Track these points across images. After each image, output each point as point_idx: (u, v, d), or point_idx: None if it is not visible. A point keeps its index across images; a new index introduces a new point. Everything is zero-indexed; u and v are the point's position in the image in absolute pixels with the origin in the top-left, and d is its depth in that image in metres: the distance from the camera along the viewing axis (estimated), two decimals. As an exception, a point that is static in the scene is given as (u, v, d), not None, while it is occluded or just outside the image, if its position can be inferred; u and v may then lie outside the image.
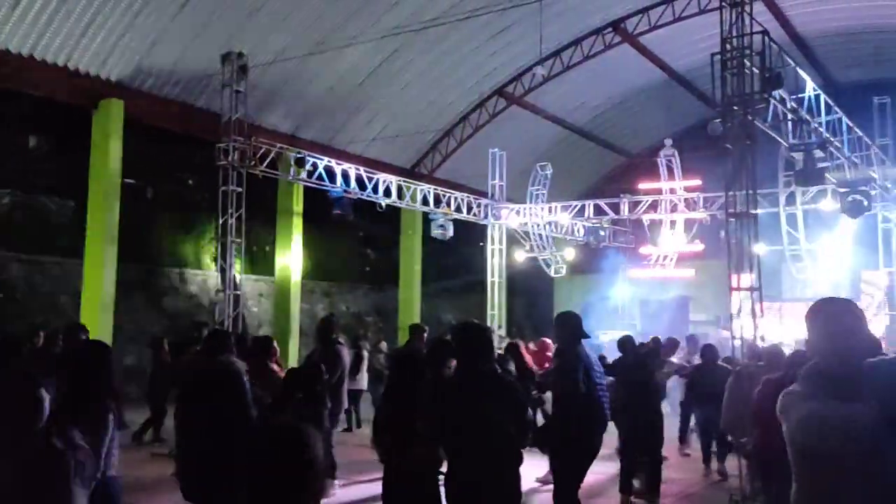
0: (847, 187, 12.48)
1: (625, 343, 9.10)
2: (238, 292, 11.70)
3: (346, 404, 8.67)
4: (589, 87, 18.66)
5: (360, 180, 14.37)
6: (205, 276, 16.38)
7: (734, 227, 10.08)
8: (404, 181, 15.98)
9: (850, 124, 12.77)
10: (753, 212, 9.88)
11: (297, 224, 16.38)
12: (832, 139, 11.94)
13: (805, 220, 15.31)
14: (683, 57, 17.90)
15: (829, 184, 12.18)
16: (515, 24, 15.61)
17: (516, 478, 4.02)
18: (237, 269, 11.73)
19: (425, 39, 15.04)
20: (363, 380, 11.75)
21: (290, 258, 16.32)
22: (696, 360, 11.79)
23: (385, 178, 15.13)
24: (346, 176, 14.01)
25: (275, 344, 6.75)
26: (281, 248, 16.55)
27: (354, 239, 20.43)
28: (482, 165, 18.21)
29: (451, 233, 16.42)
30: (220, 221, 11.66)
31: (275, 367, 6.83)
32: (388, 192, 15.15)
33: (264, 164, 12.23)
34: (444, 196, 16.63)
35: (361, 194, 14.35)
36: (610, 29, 16.96)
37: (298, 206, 16.20)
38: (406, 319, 18.78)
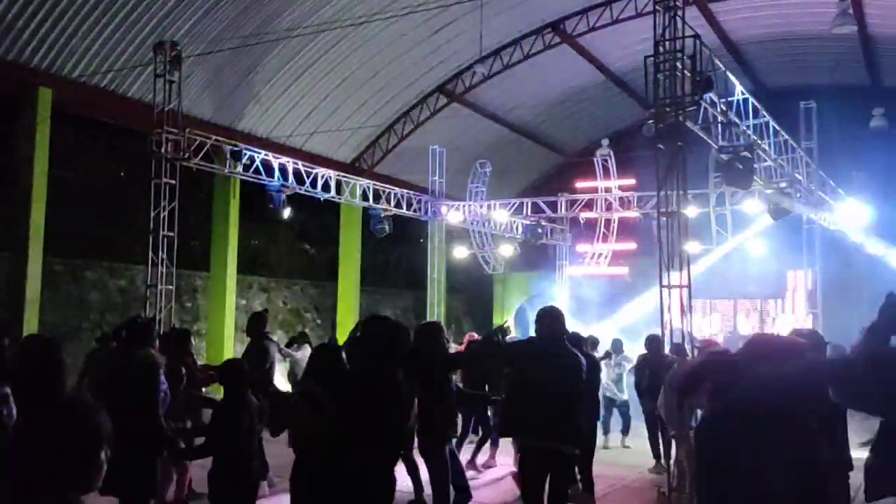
0: (772, 189, 12.94)
1: (574, 340, 9.17)
2: (170, 287, 11.44)
3: None
4: (528, 87, 18.85)
5: (298, 174, 14.22)
6: (136, 270, 15.97)
7: (665, 225, 10.36)
8: (344, 176, 15.89)
9: (777, 128, 13.21)
10: (684, 211, 10.17)
11: (234, 218, 16.12)
12: (759, 142, 12.34)
13: (743, 220, 15.76)
14: (620, 59, 18.25)
15: (755, 186, 12.58)
16: (456, 22, 15.67)
17: (386, 478, 4.08)
18: (170, 264, 11.47)
19: (364, 34, 14.97)
20: None
21: (226, 252, 16.05)
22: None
23: (324, 173, 15.01)
24: (283, 170, 13.85)
25: (192, 338, 6.66)
26: (217, 242, 16.26)
27: (293, 234, 20.21)
28: (423, 162, 18.25)
29: (389, 229, 16.41)
30: (153, 214, 11.38)
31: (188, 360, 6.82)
32: (326, 187, 15.03)
33: (199, 157, 11.99)
34: (384, 192, 16.60)
35: (300, 189, 14.21)
36: (549, 29, 17.17)
37: (235, 199, 15.95)
38: (345, 316, 18.70)
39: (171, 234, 11.42)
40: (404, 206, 17.08)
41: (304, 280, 20.52)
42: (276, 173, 13.63)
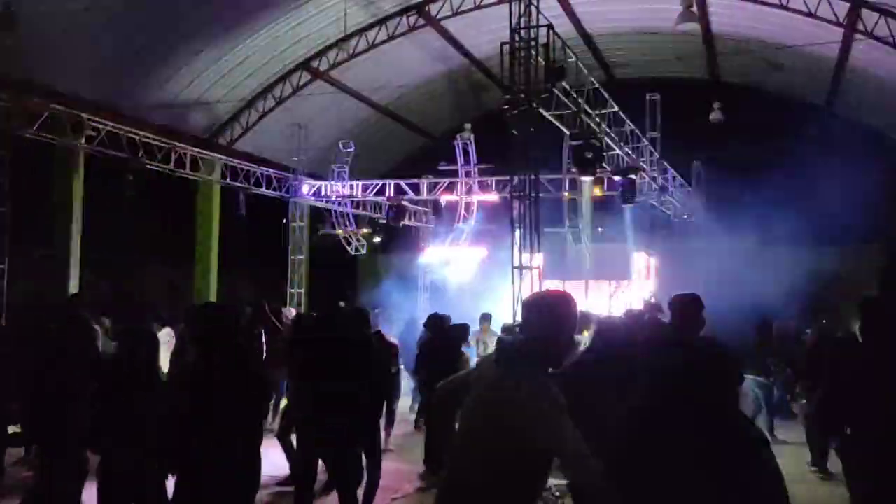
0: (620, 176, 13.68)
1: (433, 322, 9.23)
2: (2, 266, 10.67)
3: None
4: (394, 68, 18.82)
5: (149, 149, 13.57)
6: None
7: (518, 208, 10.74)
8: (200, 153, 15.31)
9: (624, 118, 13.95)
10: (535, 195, 10.58)
11: (78, 192, 15.14)
12: (608, 131, 13.00)
13: (593, 205, 16.47)
14: (483, 44, 18.52)
15: (604, 172, 13.27)
16: (320, -3, 15.42)
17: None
18: None
19: (221, 3, 14.44)
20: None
21: (70, 229, 15.08)
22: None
23: (179, 148, 14.40)
24: (133, 143, 13.17)
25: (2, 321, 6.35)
26: (59, 218, 15.24)
27: (145, 211, 19.24)
28: (285, 140, 17.86)
29: (245, 208, 16.01)
30: (-18, 188, 10.57)
31: None
32: (181, 163, 14.45)
33: (35, 127, 11.18)
34: (242, 170, 16.14)
35: (151, 164, 13.58)
36: (413, 11, 17.19)
37: (79, 173, 14.99)
38: (203, 297, 18.07)
39: (3, 208, 10.64)
40: (264, 185, 16.71)
41: (157, 260, 19.66)
42: (125, 147, 12.93)
